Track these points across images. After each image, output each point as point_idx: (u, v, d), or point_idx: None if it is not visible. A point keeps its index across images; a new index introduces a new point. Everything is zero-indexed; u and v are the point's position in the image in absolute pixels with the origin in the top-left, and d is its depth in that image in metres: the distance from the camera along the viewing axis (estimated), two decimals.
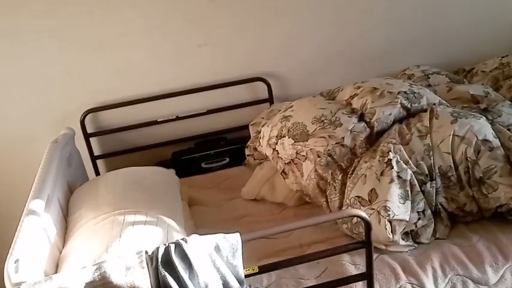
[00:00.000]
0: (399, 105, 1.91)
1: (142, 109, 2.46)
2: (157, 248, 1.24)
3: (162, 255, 1.22)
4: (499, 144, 1.74)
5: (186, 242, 1.25)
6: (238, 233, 1.29)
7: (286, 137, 1.97)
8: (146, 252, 1.25)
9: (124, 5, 2.29)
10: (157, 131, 2.53)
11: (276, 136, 2.02)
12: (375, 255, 1.64)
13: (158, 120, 2.50)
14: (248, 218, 2.04)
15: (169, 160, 2.52)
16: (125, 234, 1.51)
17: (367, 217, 1.33)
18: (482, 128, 1.76)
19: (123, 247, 1.45)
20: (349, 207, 1.72)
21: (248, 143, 2.33)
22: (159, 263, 1.21)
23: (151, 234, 1.54)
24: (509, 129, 1.81)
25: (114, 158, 2.53)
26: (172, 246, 1.23)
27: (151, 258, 1.24)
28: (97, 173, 2.48)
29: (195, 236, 1.28)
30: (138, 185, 1.91)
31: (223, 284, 1.25)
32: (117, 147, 2.53)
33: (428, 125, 1.80)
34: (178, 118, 2.51)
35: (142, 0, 2.31)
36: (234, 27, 2.46)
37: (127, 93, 2.44)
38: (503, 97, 2.10)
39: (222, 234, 1.28)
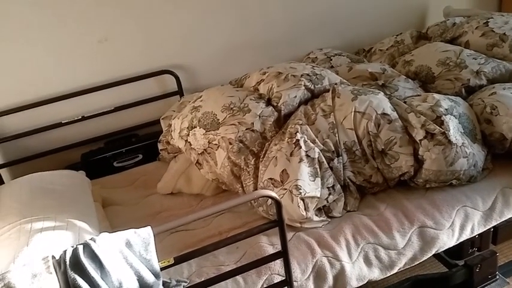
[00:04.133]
0: (303, 87, 1.97)
1: (45, 111, 2.34)
2: (65, 251, 1.19)
3: (70, 258, 1.18)
4: (397, 116, 1.83)
5: (94, 241, 1.21)
6: (149, 226, 1.27)
7: (198, 127, 1.97)
8: (53, 257, 1.20)
9: None
10: (63, 133, 2.42)
11: (187, 127, 2.01)
12: (291, 234, 1.70)
13: (63, 122, 2.39)
14: (166, 212, 2.01)
15: (79, 162, 2.42)
16: (33, 242, 1.43)
17: (276, 196, 1.35)
18: (381, 102, 1.85)
19: (32, 255, 1.37)
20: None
21: (160, 138, 2.29)
22: (68, 266, 1.16)
23: (61, 238, 1.47)
24: (405, 102, 1.92)
25: (20, 166, 2.38)
26: (81, 248, 1.19)
27: (59, 263, 1.18)
28: (1, 184, 2.32)
29: (104, 234, 1.24)
30: (45, 190, 1.82)
31: (138, 280, 1.22)
32: (21, 154, 2.39)
33: (331, 104, 1.87)
34: (84, 118, 2.41)
35: None
36: (135, 20, 2.40)
37: (26, 96, 2.31)
38: (399, 72, 2.23)
39: (132, 230, 1.25)
